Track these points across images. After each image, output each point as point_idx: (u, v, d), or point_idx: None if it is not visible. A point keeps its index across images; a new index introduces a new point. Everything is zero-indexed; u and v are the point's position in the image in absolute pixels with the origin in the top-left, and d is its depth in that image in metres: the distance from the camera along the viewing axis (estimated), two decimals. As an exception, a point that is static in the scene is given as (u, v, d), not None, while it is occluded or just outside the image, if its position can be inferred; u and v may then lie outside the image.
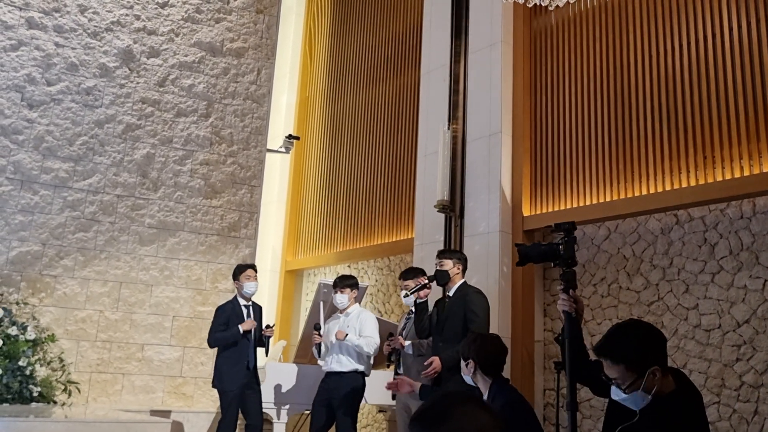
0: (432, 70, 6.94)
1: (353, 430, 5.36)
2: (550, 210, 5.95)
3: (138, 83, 8.08)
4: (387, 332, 5.41)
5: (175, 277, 7.88)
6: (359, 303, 5.90)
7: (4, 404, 6.41)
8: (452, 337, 4.60)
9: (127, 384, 7.45)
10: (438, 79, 6.81)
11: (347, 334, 5.26)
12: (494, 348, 3.65)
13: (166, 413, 6.87)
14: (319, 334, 5.48)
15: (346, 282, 5.51)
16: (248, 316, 5.81)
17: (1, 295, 7.00)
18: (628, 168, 5.45)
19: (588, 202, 5.69)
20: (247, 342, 5.69)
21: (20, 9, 7.62)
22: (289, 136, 9.08)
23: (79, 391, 7.12)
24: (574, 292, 2.78)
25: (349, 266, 8.60)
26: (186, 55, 8.38)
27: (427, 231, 6.49)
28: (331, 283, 5.64)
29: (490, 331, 5.63)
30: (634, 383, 2.32)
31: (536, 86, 6.31)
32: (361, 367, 5.33)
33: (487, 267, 5.85)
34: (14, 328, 6.75)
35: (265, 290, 8.94)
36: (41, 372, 6.83)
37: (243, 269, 5.89)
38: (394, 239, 7.68)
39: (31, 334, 6.82)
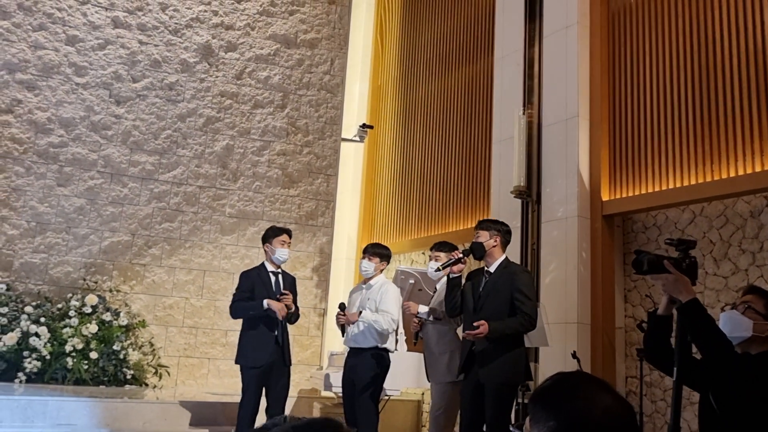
0: (506, 55, 6.86)
1: (374, 411, 4.96)
2: (630, 194, 5.81)
3: (217, 77, 8.33)
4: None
5: (255, 265, 8.10)
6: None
7: (101, 386, 6.79)
8: (492, 318, 4.30)
9: (212, 368, 7.75)
10: (512, 63, 6.73)
11: (361, 313, 4.90)
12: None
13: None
14: (344, 314, 5.05)
15: (376, 250, 5.17)
16: (277, 285, 5.20)
17: (96, 283, 7.39)
18: (714, 149, 5.25)
19: (671, 186, 5.52)
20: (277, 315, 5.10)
21: (106, 9, 7.97)
22: (363, 125, 9.16)
23: (169, 374, 7.46)
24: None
25: (423, 253, 8.64)
26: (262, 48, 8.58)
27: (503, 217, 6.43)
28: (409, 271, 5.60)
29: (569, 317, 5.58)
30: (758, 315, 2.58)
31: (614, 67, 6.15)
32: (381, 344, 4.95)
33: (566, 253, 5.77)
34: (108, 314, 7.13)
35: (342, 278, 9.09)
36: (133, 356, 7.19)
37: (278, 233, 5.27)
38: (469, 226, 7.66)
39: (123, 320, 7.18)
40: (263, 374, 5.03)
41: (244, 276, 5.25)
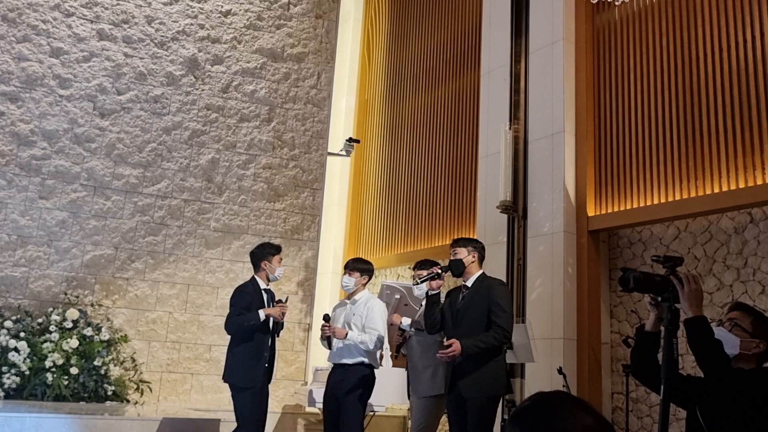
0: (492, 70, 6.89)
1: (360, 427, 4.91)
2: (615, 209, 5.82)
3: (203, 90, 8.30)
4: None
5: (240, 280, 8.02)
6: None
7: (81, 402, 6.68)
8: (470, 330, 4.33)
9: (195, 384, 7.65)
10: (498, 79, 6.75)
11: (348, 333, 4.82)
12: None
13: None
14: (329, 326, 4.90)
15: (357, 265, 5.09)
16: (269, 302, 5.20)
17: (77, 297, 7.29)
18: (699, 165, 5.28)
19: (656, 201, 5.54)
20: (269, 331, 5.09)
21: (91, 22, 7.93)
22: (350, 140, 9.15)
23: (151, 390, 7.35)
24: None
25: (409, 267, 8.61)
26: (248, 62, 8.56)
27: (489, 232, 6.45)
28: (395, 285, 5.57)
29: (555, 333, 5.56)
30: (745, 333, 2.56)
31: (600, 84, 6.19)
32: (367, 359, 4.92)
33: (551, 268, 5.76)
34: (89, 329, 7.03)
35: (327, 292, 9.03)
36: (115, 371, 7.09)
37: (276, 250, 5.29)
38: (455, 240, 7.64)
39: (105, 335, 7.08)
40: (257, 393, 5.00)
41: (242, 292, 5.17)
